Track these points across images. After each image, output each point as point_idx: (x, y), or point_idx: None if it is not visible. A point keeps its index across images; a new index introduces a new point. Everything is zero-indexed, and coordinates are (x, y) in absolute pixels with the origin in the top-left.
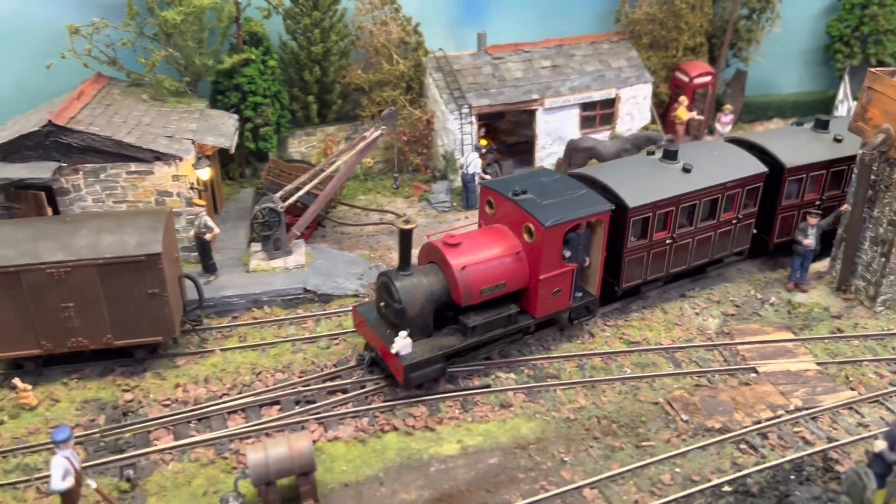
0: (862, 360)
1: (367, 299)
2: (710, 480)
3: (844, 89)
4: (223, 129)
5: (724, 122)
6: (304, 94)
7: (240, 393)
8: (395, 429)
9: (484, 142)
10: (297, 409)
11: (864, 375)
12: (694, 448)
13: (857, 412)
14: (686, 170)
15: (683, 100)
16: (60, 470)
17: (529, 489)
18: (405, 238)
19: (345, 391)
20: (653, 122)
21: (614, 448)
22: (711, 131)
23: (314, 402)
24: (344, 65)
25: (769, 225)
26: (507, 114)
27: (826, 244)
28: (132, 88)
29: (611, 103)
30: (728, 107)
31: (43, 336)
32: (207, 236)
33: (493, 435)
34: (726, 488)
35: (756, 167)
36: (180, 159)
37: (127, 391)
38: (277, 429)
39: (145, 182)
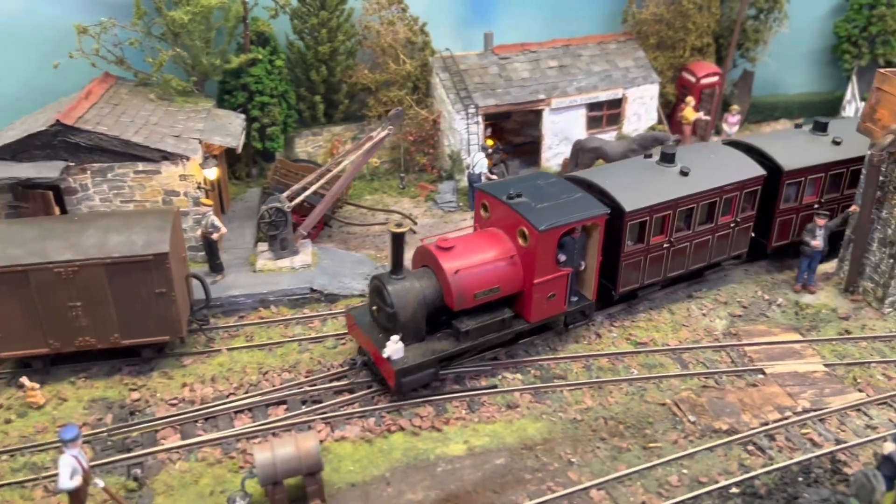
0: (870, 362)
1: None
2: (717, 482)
3: (852, 90)
4: (230, 129)
5: (732, 123)
6: (310, 93)
7: (246, 392)
8: (402, 429)
9: (490, 142)
10: (304, 408)
11: (873, 377)
12: (701, 449)
13: (866, 414)
14: (683, 173)
15: (690, 100)
16: (68, 469)
17: (536, 490)
18: (397, 241)
19: (351, 391)
20: (660, 122)
21: (621, 449)
22: (718, 132)
23: (321, 401)
24: (351, 65)
25: (767, 228)
26: (513, 114)
27: (833, 245)
28: (139, 88)
29: (618, 103)
30: (735, 107)
31: (50, 335)
32: (214, 236)
33: (500, 435)
34: (734, 490)
35: (754, 170)
36: (187, 159)
37: (134, 390)
38: (284, 428)
39: (153, 181)
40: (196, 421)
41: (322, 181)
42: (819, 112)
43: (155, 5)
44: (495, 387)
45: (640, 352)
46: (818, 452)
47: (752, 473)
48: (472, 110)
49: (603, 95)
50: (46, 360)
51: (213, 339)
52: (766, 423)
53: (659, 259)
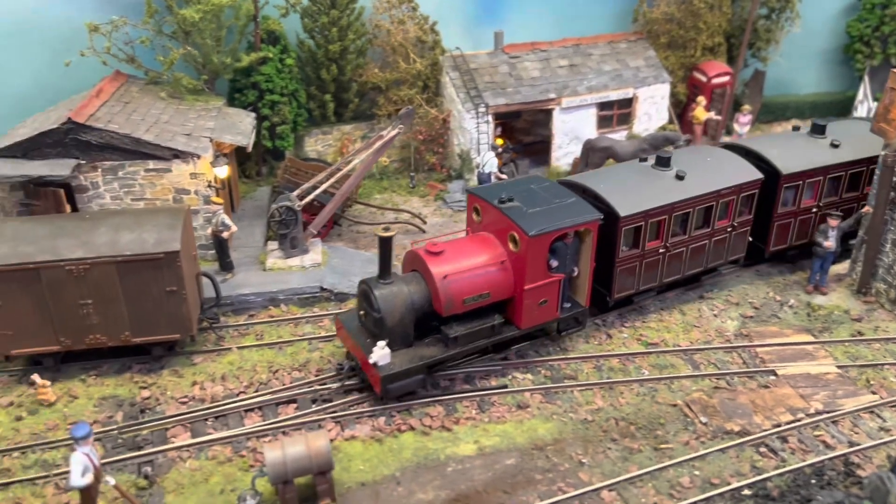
0: (883, 364)
1: None
2: (729, 484)
3: (864, 90)
4: (240, 128)
5: (743, 123)
6: (321, 92)
7: (256, 391)
8: (412, 428)
9: (500, 141)
10: (314, 407)
11: (886, 379)
12: (713, 451)
13: (879, 416)
14: (679, 177)
15: (701, 100)
16: (80, 466)
17: (547, 490)
18: (384, 245)
19: (361, 390)
20: (670, 122)
21: (632, 450)
22: (729, 132)
23: (331, 400)
24: (361, 63)
25: (765, 233)
26: (523, 113)
27: (844, 246)
28: (150, 86)
29: (628, 103)
30: (746, 107)
31: (62, 333)
32: (225, 234)
33: (511, 436)
34: (746, 492)
35: (751, 174)
36: (198, 157)
37: (144, 388)
38: (294, 427)
39: (163, 180)
40: (206, 419)
41: (332, 180)
42: (830, 112)
43: (166, 3)
44: (506, 387)
45: (651, 352)
46: (831, 454)
47: (765, 475)
48: (482, 109)
49: (613, 95)
50: (57, 357)
51: (224, 337)
52: (779, 425)
53: (654, 264)
